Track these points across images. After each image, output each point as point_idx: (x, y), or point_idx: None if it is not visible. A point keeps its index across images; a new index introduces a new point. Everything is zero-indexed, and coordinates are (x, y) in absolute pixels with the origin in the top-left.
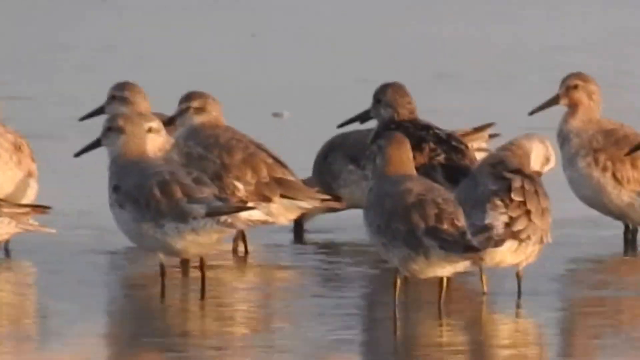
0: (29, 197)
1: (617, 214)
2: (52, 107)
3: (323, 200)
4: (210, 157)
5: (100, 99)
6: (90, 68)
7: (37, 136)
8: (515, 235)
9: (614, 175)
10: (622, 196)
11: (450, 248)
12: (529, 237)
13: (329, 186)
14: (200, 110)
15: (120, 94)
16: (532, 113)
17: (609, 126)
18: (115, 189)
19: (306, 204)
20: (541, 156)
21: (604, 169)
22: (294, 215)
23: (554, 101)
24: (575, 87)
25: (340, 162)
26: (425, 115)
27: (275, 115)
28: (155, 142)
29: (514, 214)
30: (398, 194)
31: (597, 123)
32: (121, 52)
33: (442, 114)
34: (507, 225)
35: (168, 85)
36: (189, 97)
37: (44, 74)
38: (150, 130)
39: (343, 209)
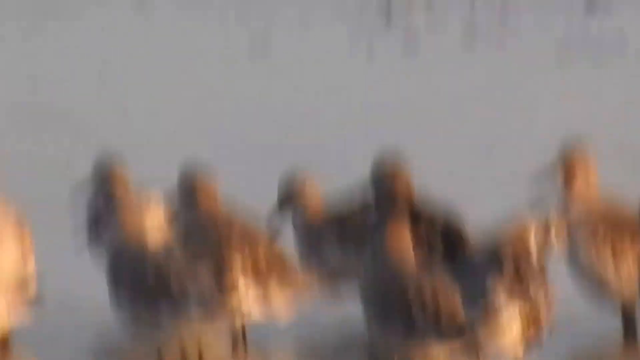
0: (28, 274)
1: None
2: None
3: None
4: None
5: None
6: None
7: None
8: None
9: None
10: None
11: (448, 338)
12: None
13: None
14: (194, 203)
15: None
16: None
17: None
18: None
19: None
20: (540, 240)
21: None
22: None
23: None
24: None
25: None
26: None
27: None
28: (154, 221)
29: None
30: (395, 279)
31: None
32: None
33: None
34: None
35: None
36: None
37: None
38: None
39: None
